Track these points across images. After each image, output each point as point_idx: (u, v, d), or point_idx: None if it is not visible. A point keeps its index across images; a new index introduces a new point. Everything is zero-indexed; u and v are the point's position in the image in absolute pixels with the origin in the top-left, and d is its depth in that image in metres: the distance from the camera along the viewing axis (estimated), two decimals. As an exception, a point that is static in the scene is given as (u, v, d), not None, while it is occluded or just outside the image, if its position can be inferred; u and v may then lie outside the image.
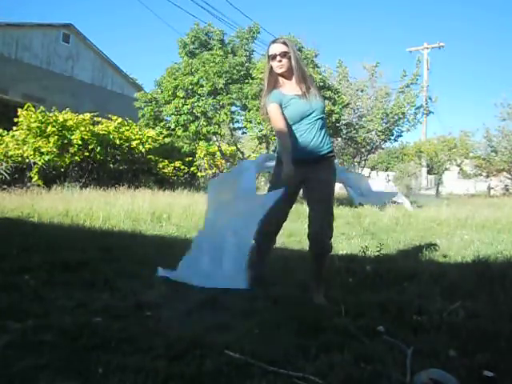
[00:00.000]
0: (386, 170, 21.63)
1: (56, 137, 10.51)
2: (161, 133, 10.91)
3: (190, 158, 14.98)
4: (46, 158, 10.25)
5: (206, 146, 12.32)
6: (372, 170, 20.22)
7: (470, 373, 1.71)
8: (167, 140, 12.18)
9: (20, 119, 10.70)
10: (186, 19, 15.62)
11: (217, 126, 10.40)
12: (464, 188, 24.32)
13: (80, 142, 10.93)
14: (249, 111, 10.27)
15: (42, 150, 10.28)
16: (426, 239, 5.32)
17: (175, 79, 10.42)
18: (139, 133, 13.01)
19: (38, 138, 10.40)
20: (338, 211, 8.54)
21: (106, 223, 5.52)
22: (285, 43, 2.64)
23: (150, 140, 13.20)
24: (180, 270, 2.86)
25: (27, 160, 10.41)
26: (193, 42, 11.02)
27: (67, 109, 11.83)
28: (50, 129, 10.47)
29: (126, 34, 79.62)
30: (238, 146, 12.30)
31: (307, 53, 10.74)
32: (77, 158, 11.08)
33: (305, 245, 3.20)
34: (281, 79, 2.70)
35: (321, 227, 2.59)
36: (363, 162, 15.67)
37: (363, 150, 14.89)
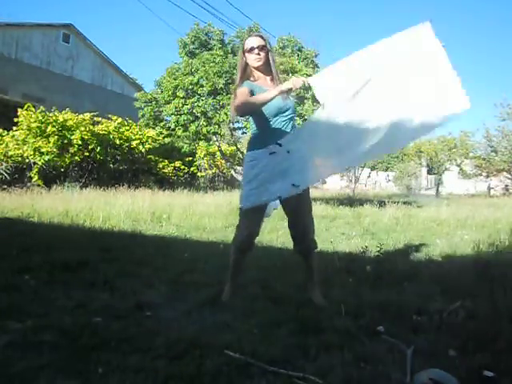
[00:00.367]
0: (386, 170, 21.57)
1: (56, 137, 10.52)
2: (161, 133, 10.89)
3: (190, 158, 15.00)
4: (46, 157, 10.26)
5: (206, 146, 12.29)
6: (372, 169, 20.19)
7: (470, 373, 1.71)
8: (167, 140, 12.17)
9: (20, 119, 10.70)
10: (186, 19, 15.62)
11: (217, 126, 10.38)
12: (464, 188, 24.29)
13: (80, 142, 10.95)
14: (249, 111, 10.22)
15: (42, 150, 10.28)
16: (426, 239, 5.32)
17: (175, 79, 10.41)
18: (139, 133, 13.03)
19: (38, 138, 10.41)
20: (338, 211, 8.55)
21: (106, 223, 5.53)
22: (262, 37, 2.60)
23: (149, 140, 13.22)
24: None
25: (27, 160, 10.42)
26: (193, 42, 11.01)
27: (67, 109, 11.85)
28: (49, 129, 10.48)
29: (126, 34, 79.70)
30: (238, 146, 12.26)
31: (307, 53, 10.72)
32: (77, 158, 11.09)
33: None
34: (256, 74, 2.59)
35: (304, 226, 2.59)
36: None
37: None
